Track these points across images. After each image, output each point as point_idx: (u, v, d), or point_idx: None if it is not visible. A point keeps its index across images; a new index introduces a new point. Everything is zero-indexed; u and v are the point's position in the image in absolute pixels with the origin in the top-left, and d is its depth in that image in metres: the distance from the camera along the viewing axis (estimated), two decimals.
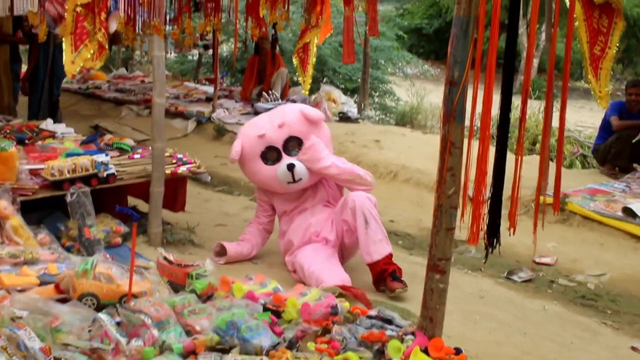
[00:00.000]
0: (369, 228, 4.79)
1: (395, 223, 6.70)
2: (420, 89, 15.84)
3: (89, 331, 3.18)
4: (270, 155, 4.99)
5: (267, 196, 5.24)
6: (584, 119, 15.61)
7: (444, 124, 3.20)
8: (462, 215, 3.25)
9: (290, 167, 4.91)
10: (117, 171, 5.08)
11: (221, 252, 5.15)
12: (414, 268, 5.23)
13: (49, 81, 8.91)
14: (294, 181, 4.96)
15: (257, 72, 11.47)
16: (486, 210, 3.23)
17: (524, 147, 3.43)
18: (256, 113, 10.36)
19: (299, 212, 5.12)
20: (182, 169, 5.46)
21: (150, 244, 5.09)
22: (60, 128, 6.33)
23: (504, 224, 3.24)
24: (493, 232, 3.27)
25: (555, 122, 3.47)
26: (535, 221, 3.54)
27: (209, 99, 11.34)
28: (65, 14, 5.34)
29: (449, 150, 3.19)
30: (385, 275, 4.79)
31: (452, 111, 3.16)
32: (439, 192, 3.26)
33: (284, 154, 4.97)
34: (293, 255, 5.01)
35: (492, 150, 3.13)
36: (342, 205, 4.94)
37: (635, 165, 8.21)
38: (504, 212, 3.23)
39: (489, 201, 3.24)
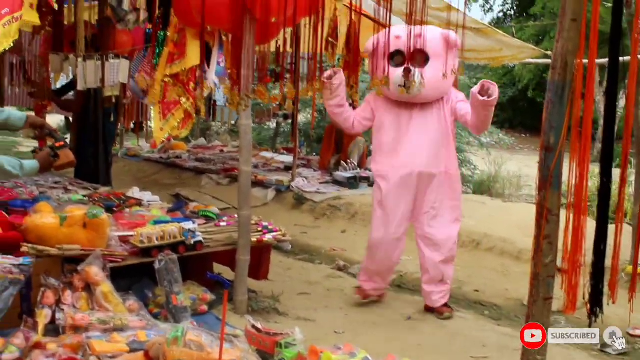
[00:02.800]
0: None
1: (480, 293, 6.52)
2: (496, 157, 15.69)
3: None
4: (397, 59, 5.29)
5: (373, 101, 5.65)
6: None
7: (540, 190, 3.13)
8: (562, 283, 3.16)
9: (407, 71, 5.08)
10: (204, 239, 5.11)
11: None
12: (503, 340, 5.10)
13: (103, 147, 8.49)
14: (405, 86, 5.11)
15: (335, 141, 11.54)
16: (587, 279, 3.15)
17: (624, 214, 3.34)
18: (335, 182, 10.44)
19: (401, 133, 5.50)
20: (268, 237, 5.46)
21: (236, 312, 5.08)
22: (146, 196, 6.44)
23: None
24: (596, 301, 3.17)
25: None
26: (633, 290, 3.43)
27: (287, 168, 11.45)
28: (154, 83, 5.50)
29: (546, 217, 3.11)
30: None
31: (549, 177, 3.10)
32: (535, 261, 3.17)
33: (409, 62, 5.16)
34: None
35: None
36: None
37: None
38: None
39: (590, 270, 3.16)
